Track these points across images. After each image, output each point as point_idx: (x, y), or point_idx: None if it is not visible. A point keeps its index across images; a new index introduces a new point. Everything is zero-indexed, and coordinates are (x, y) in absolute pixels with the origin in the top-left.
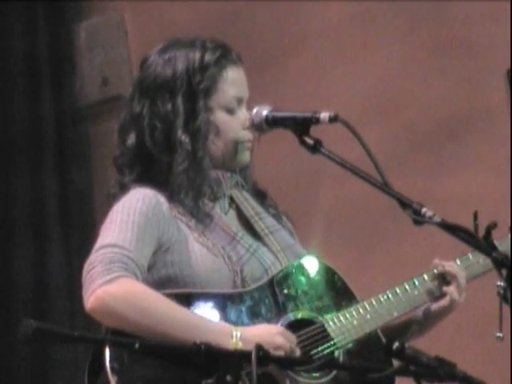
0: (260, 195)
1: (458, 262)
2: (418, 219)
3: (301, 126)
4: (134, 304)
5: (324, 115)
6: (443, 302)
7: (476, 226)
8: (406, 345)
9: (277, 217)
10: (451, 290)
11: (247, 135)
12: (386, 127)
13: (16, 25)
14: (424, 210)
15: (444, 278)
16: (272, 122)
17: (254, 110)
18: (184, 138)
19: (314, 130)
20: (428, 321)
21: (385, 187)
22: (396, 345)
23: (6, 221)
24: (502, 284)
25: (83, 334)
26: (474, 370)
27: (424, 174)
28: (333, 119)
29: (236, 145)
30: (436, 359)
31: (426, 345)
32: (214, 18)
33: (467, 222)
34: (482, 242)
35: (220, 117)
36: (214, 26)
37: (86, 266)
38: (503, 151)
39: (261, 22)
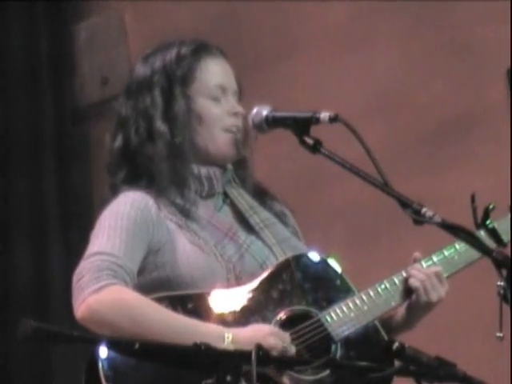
0: (260, 193)
1: (446, 252)
2: (418, 219)
3: (301, 126)
4: (124, 312)
5: (324, 115)
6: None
7: (474, 209)
8: (406, 345)
9: (280, 213)
10: (417, 287)
11: (234, 121)
12: (386, 127)
13: (16, 25)
14: (424, 209)
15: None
16: (272, 122)
17: (254, 110)
18: (163, 127)
19: (314, 130)
20: (410, 317)
21: (385, 187)
22: (396, 345)
23: (6, 221)
24: (502, 284)
25: (83, 334)
26: (474, 370)
27: (424, 174)
28: (333, 119)
29: (220, 132)
30: (436, 359)
31: (426, 345)
32: (213, 19)
33: (467, 222)
34: (482, 242)
35: (202, 104)
36: (213, 27)
37: (75, 276)
38: (503, 151)
39: (261, 22)
